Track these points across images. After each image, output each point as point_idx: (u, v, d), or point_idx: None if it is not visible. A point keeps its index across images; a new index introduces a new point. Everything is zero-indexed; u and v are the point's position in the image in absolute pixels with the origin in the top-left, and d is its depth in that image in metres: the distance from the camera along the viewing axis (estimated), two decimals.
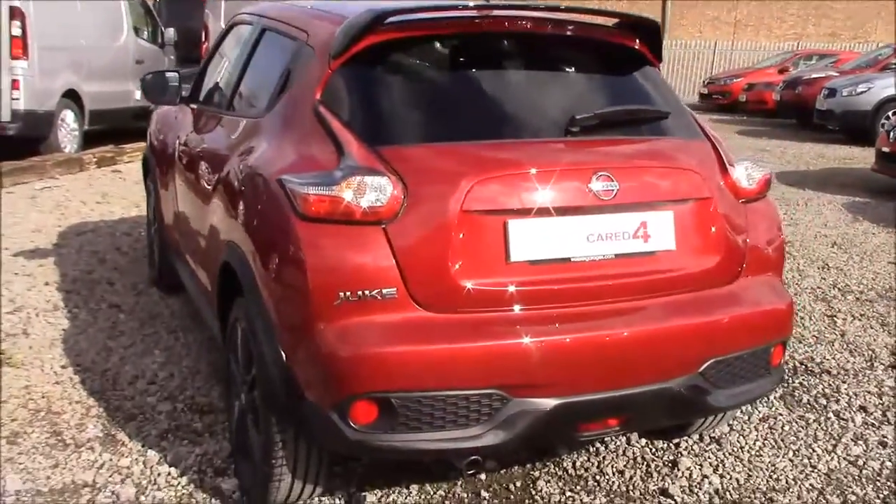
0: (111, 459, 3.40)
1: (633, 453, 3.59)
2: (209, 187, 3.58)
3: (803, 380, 4.45)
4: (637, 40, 3.28)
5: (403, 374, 2.55)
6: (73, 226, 7.22)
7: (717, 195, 2.98)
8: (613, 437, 3.68)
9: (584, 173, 2.71)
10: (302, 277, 2.60)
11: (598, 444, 3.61)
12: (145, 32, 12.63)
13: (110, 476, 3.28)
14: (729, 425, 3.87)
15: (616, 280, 2.79)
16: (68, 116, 10.48)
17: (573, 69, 3.14)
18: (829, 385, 4.38)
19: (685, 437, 3.72)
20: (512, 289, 2.66)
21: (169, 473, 3.31)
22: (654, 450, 3.63)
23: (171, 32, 13.01)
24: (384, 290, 2.57)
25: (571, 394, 2.68)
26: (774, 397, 4.19)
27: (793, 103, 17.76)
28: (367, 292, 2.57)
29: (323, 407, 2.60)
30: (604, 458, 3.53)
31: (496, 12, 3.06)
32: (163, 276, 5.33)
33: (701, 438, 3.74)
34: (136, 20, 12.29)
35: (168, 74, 4.50)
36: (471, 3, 3.07)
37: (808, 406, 4.13)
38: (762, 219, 3.14)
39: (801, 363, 4.69)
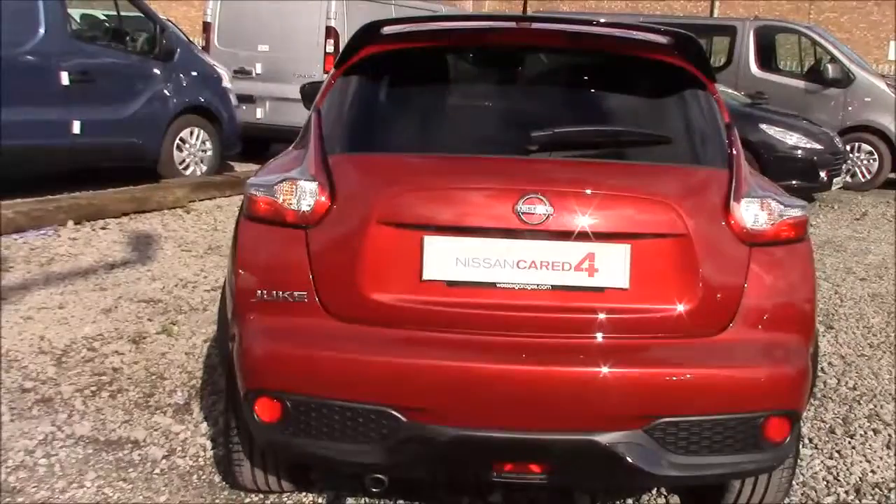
0: (170, 425, 3.77)
1: None
2: None
3: None
4: (675, 56, 2.94)
5: (299, 378, 2.58)
6: None
7: (703, 233, 2.59)
8: (652, 497, 3.31)
9: (511, 194, 2.51)
10: (233, 273, 2.75)
11: (622, 501, 3.27)
12: None
13: (157, 439, 3.65)
14: None
15: (550, 314, 2.56)
16: None
17: (571, 86, 2.92)
18: None
19: None
20: (424, 308, 2.55)
21: (203, 446, 3.61)
22: None
23: None
24: (295, 293, 2.62)
25: (475, 427, 2.51)
26: None
27: None
28: (280, 293, 2.63)
29: (242, 399, 2.71)
30: None
31: (498, 24, 2.95)
32: None
33: None
34: None
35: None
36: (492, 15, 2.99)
37: None
38: (777, 266, 2.66)
39: None
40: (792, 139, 9.93)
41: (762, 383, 2.56)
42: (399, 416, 2.52)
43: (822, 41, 12.36)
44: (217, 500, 3.21)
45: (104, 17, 9.38)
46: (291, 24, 10.79)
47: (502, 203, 2.52)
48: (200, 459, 3.50)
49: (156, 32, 8.89)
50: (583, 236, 2.54)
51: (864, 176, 11.73)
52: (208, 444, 3.62)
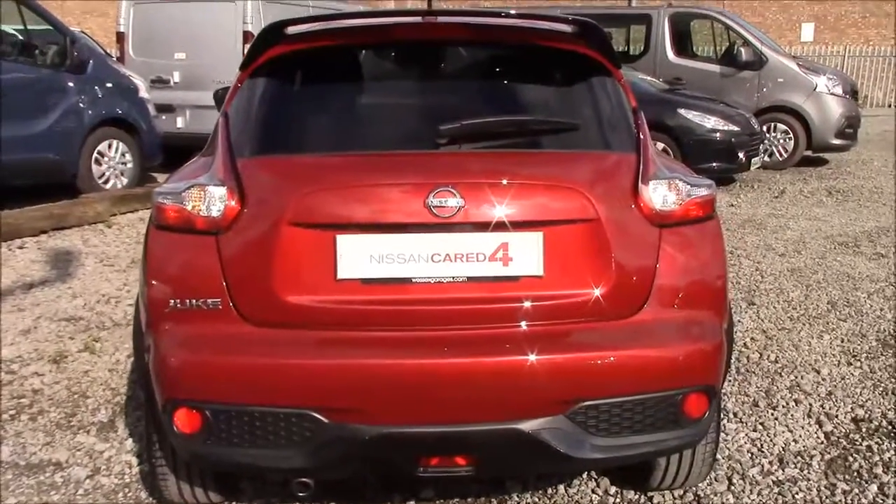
0: (94, 444, 3.68)
1: (591, 501, 3.24)
2: None
3: (876, 442, 3.73)
4: (580, 45, 2.97)
5: (217, 386, 2.54)
6: None
7: (614, 216, 2.62)
8: (583, 481, 3.34)
9: (422, 188, 2.51)
10: (145, 283, 2.69)
11: (553, 487, 3.30)
12: None
13: (81, 459, 3.56)
14: (728, 481, 3.36)
15: (468, 305, 2.56)
16: None
17: (480, 78, 2.93)
18: None
19: (664, 492, 3.28)
20: (340, 308, 2.54)
21: (128, 463, 3.53)
22: (618, 501, 3.25)
23: None
24: (209, 301, 2.58)
25: (398, 424, 2.51)
26: (819, 460, 3.56)
27: None
28: (193, 301, 2.59)
29: (161, 411, 2.65)
30: (555, 502, 3.23)
31: (404, 19, 2.94)
32: None
33: (683, 495, 3.28)
34: None
35: None
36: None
37: (855, 475, 3.46)
38: (687, 246, 2.71)
39: (892, 423, 3.93)
40: (710, 122, 10.13)
41: (678, 361, 2.60)
42: (321, 417, 2.50)
43: (735, 26, 12.62)
44: None
45: (11, 32, 9.09)
46: (207, 30, 10.63)
47: (413, 197, 2.52)
48: (126, 477, 3.43)
49: (66, 44, 8.66)
50: (496, 226, 2.54)
51: (780, 155, 12.01)
52: (134, 460, 3.55)
